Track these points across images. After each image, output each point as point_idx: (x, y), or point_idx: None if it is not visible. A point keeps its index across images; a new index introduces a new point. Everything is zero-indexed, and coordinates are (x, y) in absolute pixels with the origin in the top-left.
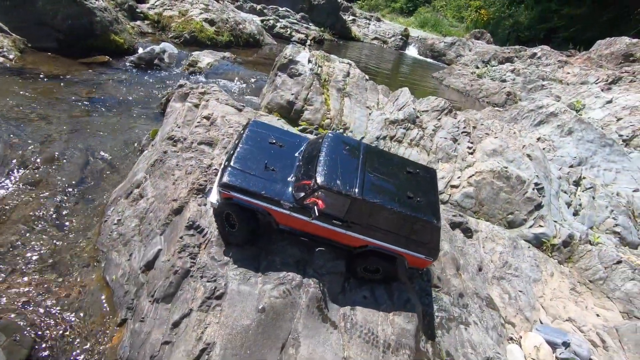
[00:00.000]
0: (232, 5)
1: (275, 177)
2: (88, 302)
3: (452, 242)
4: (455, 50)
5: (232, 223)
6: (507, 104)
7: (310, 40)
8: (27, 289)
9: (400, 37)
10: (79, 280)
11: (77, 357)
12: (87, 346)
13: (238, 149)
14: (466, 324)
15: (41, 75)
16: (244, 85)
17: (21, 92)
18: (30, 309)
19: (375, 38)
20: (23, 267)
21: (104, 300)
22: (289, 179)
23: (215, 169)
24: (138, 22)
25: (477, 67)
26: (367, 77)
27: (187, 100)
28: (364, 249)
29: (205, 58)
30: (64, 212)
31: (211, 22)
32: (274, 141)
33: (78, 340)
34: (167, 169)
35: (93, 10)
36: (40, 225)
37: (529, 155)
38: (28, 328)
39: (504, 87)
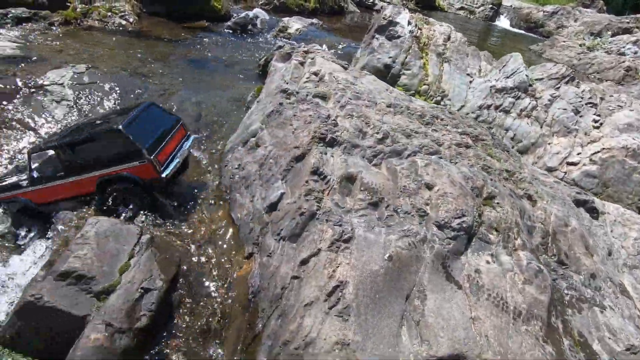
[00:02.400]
0: None
1: (20, 174)
2: (217, 236)
3: (579, 219)
4: (556, 21)
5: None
6: (624, 80)
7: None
8: (166, 218)
9: (490, 6)
10: (208, 215)
11: (213, 281)
12: (221, 273)
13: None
14: (601, 307)
15: (154, 37)
16: (332, 50)
17: (140, 52)
18: (173, 234)
19: (462, 8)
20: (161, 199)
21: (230, 235)
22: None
23: (334, 121)
24: None
25: (584, 39)
26: (468, 42)
27: (293, 58)
28: (100, 183)
29: (295, 24)
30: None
31: None
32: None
33: (212, 266)
34: (285, 119)
35: None
36: None
37: None
38: (172, 249)
39: (623, 61)
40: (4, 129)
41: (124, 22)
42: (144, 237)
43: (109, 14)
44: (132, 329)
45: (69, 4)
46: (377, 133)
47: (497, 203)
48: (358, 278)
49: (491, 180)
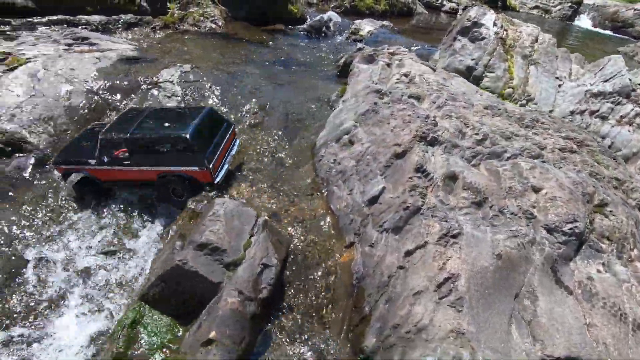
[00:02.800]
0: None
1: (88, 150)
2: (318, 225)
3: None
4: None
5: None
6: None
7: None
8: (270, 205)
9: (569, 4)
10: (308, 205)
11: (318, 265)
12: (324, 258)
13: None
14: None
15: (240, 39)
16: None
17: (229, 53)
18: (280, 220)
19: (536, 7)
20: (262, 187)
21: (330, 224)
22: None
23: (433, 121)
24: None
25: None
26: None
27: (379, 59)
28: (161, 177)
29: (366, 26)
30: (281, 150)
31: None
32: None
33: (316, 252)
34: (382, 118)
35: None
36: (266, 158)
37: None
38: (281, 233)
39: None
40: None
41: (213, 26)
42: (260, 219)
43: (202, 18)
44: (257, 298)
45: (168, 10)
46: (477, 134)
47: (610, 211)
48: (469, 272)
49: (602, 187)
